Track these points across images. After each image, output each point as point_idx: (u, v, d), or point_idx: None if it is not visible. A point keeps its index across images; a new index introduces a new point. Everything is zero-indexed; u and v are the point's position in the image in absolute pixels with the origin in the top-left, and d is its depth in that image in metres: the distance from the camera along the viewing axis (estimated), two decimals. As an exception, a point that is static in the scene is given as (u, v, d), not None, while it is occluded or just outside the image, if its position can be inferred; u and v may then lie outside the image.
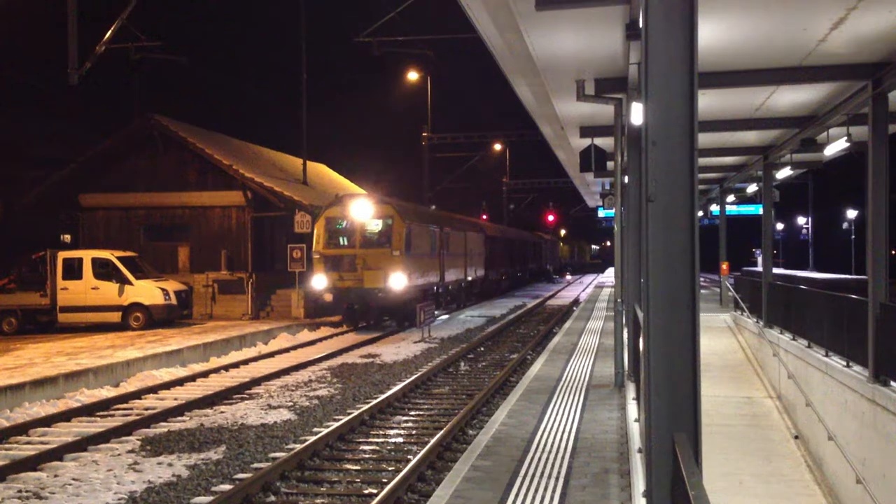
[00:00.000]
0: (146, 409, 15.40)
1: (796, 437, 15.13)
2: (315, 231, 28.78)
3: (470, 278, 41.35)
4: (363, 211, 28.64)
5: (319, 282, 27.93)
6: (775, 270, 28.07)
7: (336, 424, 13.52)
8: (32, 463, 11.40)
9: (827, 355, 14.19)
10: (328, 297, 27.80)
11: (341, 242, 29.03)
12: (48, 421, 14.23)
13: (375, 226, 29.23)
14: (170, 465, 11.48)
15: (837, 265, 54.01)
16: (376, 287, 27.83)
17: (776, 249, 59.27)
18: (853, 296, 14.19)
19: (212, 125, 38.03)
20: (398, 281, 27.70)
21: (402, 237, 28.18)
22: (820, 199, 63.83)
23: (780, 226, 70.70)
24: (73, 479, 10.80)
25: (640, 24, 4.84)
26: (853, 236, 58.21)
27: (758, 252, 44.67)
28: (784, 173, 23.59)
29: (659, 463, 4.75)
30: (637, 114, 12.63)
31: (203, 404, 15.63)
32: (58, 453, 11.90)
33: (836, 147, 16.49)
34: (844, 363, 13.10)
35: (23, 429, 13.66)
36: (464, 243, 39.70)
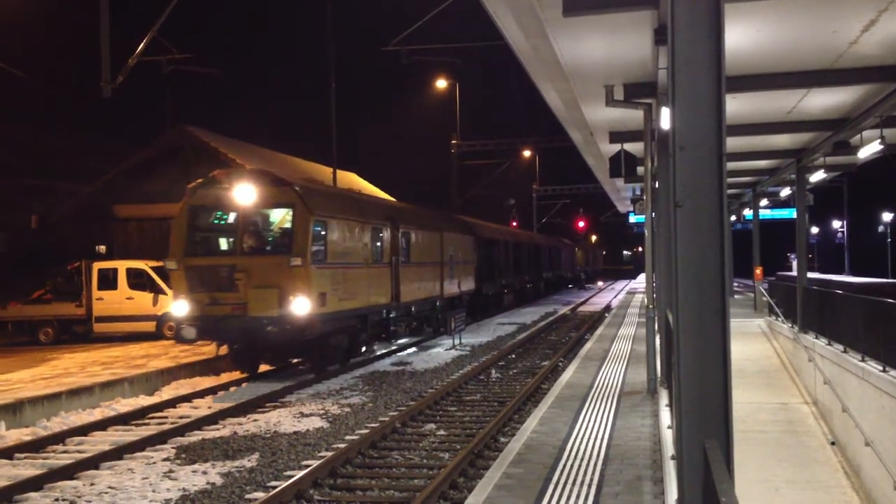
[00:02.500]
0: (180, 417, 15.51)
1: (833, 444, 14.94)
2: (174, 229, 19.33)
3: (450, 294, 31.07)
4: (247, 195, 18.84)
5: (179, 308, 18.64)
6: (810, 275, 27.78)
7: (367, 432, 13.57)
8: (69, 471, 11.53)
9: (863, 360, 14.02)
10: (188, 334, 18.33)
11: (216, 246, 19.86)
12: (84, 430, 14.39)
13: (268, 220, 20.09)
14: (204, 472, 11.56)
15: (873, 269, 53.34)
16: (266, 315, 18.18)
17: (811, 254, 58.67)
18: (889, 300, 14.01)
19: (243, 135, 38.38)
20: (302, 306, 18.11)
21: (309, 237, 18.49)
22: (855, 202, 63.14)
23: (814, 230, 69.98)
24: (109, 488, 10.91)
25: (668, 30, 4.83)
26: (889, 239, 57.45)
27: (792, 256, 44.25)
28: (818, 176, 23.36)
29: (690, 470, 4.72)
30: (666, 119, 12.57)
31: (236, 412, 15.72)
32: (94, 462, 12.03)
33: (869, 149, 16.31)
34: (881, 368, 12.93)
35: (59, 438, 13.82)
36: (438, 247, 29.50)
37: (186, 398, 17.30)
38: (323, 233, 19.33)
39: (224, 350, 20.14)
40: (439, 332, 30.01)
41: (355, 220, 21.31)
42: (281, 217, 19.83)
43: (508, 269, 45.66)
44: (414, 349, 26.40)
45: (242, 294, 18.31)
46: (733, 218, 41.29)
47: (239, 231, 19.06)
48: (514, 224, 67.29)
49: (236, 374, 20.19)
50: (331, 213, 19.89)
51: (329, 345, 20.05)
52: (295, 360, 21.46)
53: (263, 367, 20.73)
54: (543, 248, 59.80)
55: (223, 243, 19.77)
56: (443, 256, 29.91)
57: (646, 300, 16.04)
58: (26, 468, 12.00)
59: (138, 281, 26.75)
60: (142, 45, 20.59)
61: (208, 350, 21.23)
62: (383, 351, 24.66)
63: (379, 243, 23.00)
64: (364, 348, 22.77)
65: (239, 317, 18.31)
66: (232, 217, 19.50)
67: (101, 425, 14.81)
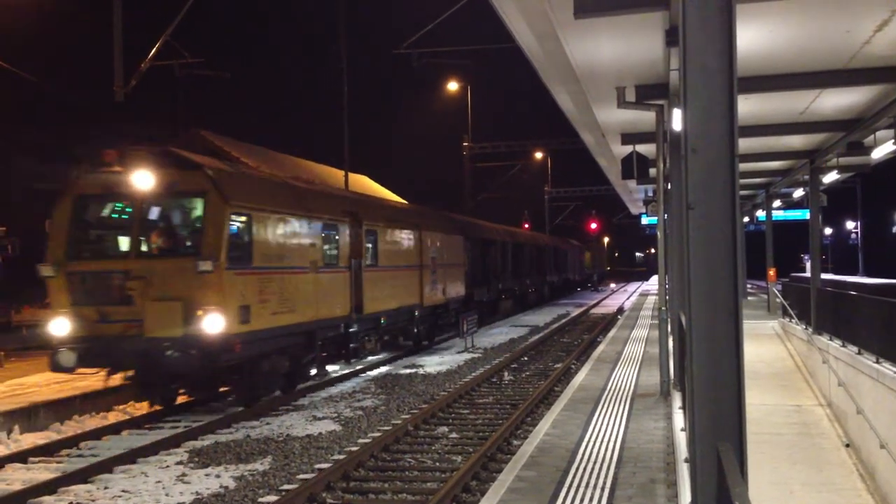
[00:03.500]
0: (194, 420, 15.55)
1: (847, 446, 14.85)
2: (52, 224, 15.38)
3: (433, 302, 26.93)
4: (145, 181, 14.95)
5: (58, 327, 14.69)
6: (824, 276, 27.64)
7: (380, 435, 13.58)
8: (83, 475, 11.57)
9: (878, 362, 13.92)
10: (66, 361, 14.40)
11: (106, 247, 15.73)
12: (98, 433, 14.44)
13: (172, 212, 15.68)
14: (217, 476, 11.59)
15: (888, 270, 53.01)
16: (167, 336, 14.24)
17: (824, 255, 58.42)
18: (904, 301, 13.92)
19: (254, 138, 38.52)
20: (214, 323, 14.25)
21: (224, 234, 14.59)
22: (869, 202, 62.85)
23: (828, 230, 69.67)
24: (123, 491, 10.95)
25: (679, 31, 4.82)
26: (903, 240, 57.11)
27: (806, 257, 44.08)
28: (831, 177, 23.26)
29: (703, 473, 4.70)
30: (678, 120, 12.54)
31: (249, 416, 15.75)
32: (107, 465, 12.07)
33: (883, 150, 16.22)
34: (896, 370, 12.84)
35: (73, 441, 13.87)
36: (417, 248, 25.50)
37: (201, 401, 17.27)
38: (246, 229, 15.45)
39: (116, 380, 15.52)
40: (422, 346, 26.81)
41: (296, 213, 17.26)
42: (189, 209, 15.57)
43: (506, 272, 41.71)
44: (425, 353, 26.38)
45: (138, 308, 14.43)
46: (746, 219, 41.19)
47: (134, 227, 15.09)
48: (527, 226, 67.11)
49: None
50: (258, 203, 15.87)
51: (260, 370, 16.12)
52: (223, 389, 17.09)
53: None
54: (547, 250, 55.92)
55: (116, 243, 15.57)
56: (422, 259, 25.77)
57: (658, 302, 16.00)
58: (41, 472, 12.05)
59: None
60: (154, 49, 20.68)
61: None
62: (346, 371, 21.12)
63: (333, 243, 19.15)
64: (315, 370, 18.97)
65: (133, 338, 14.37)
66: (129, 209, 15.40)
67: (115, 429, 14.86)
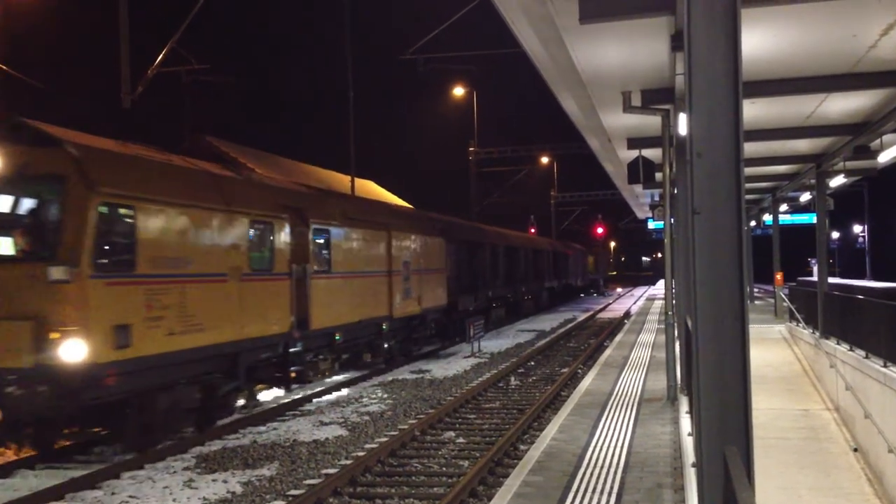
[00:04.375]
0: (200, 427, 15.55)
1: (855, 450, 14.81)
2: None
3: (405, 313, 23.82)
4: None
5: None
6: (831, 280, 27.59)
7: (387, 440, 13.59)
8: (90, 481, 11.59)
9: (885, 366, 13.89)
10: None
11: None
12: (106, 439, 14.44)
13: (21, 202, 12.27)
14: (224, 481, 11.60)
15: (895, 273, 52.87)
16: (12, 367, 11.39)
17: (832, 259, 58.28)
18: (911, 305, 13.89)
19: (261, 144, 38.60)
20: (74, 350, 11.36)
21: (88, 231, 11.63)
22: (876, 206, 62.68)
23: (835, 234, 69.52)
24: (130, 497, 10.96)
25: (684, 36, 4.83)
26: (911, 244, 56.98)
27: (813, 262, 43.96)
28: (838, 181, 23.22)
29: (710, 477, 4.70)
30: (684, 125, 12.54)
31: (256, 421, 15.76)
32: (115, 471, 12.09)
33: (890, 154, 16.20)
34: (904, 374, 12.81)
35: (81, 447, 13.88)
36: (384, 251, 22.41)
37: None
38: (128, 225, 12.33)
39: None
40: (394, 361, 23.75)
41: (206, 207, 13.91)
42: (45, 198, 12.08)
43: (497, 278, 38.33)
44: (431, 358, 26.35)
45: None
46: (753, 223, 41.11)
47: None
48: (533, 231, 66.99)
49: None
50: (146, 192, 12.70)
51: (155, 408, 12.98)
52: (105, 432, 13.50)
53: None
54: (545, 254, 52.39)
55: None
56: (392, 263, 22.66)
57: (665, 306, 15.98)
58: (48, 478, 12.06)
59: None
60: (160, 56, 20.74)
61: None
62: (286, 400, 17.72)
63: (266, 245, 16.06)
64: (242, 401, 15.78)
65: None
66: None
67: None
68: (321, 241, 18.52)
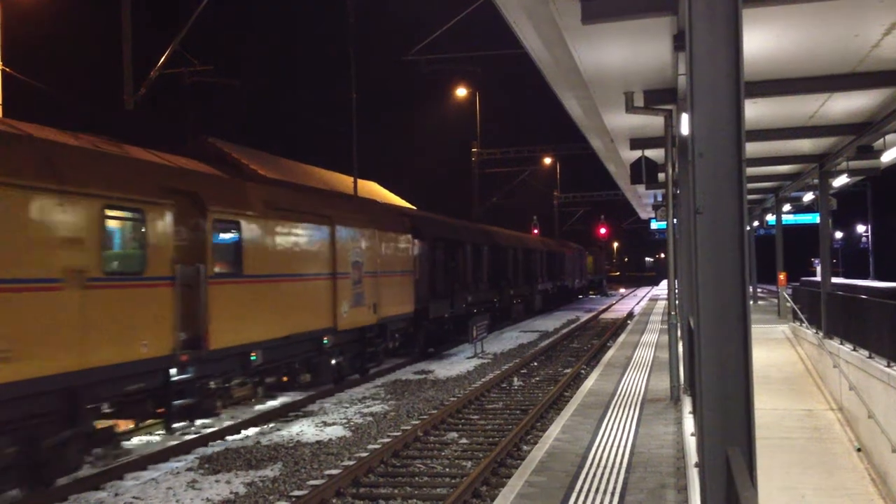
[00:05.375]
0: (204, 426, 15.59)
1: (859, 450, 14.79)
2: None
3: (355, 324, 19.86)
4: None
5: None
6: (834, 280, 27.56)
7: (390, 440, 13.59)
8: (94, 482, 11.60)
9: (889, 366, 13.88)
10: None
11: None
12: (107, 440, 14.44)
13: None
14: (227, 482, 11.61)
15: (899, 273, 52.81)
16: None
17: (835, 259, 58.24)
18: (915, 305, 13.87)
19: (263, 145, 38.63)
20: None
21: None
22: (879, 206, 62.59)
23: (838, 234, 69.45)
24: (134, 498, 10.98)
25: (685, 36, 4.83)
26: (914, 243, 56.91)
27: (816, 262, 43.94)
28: (841, 181, 23.19)
29: (713, 478, 4.70)
30: (686, 125, 12.53)
31: (260, 422, 15.77)
32: (118, 472, 12.10)
33: (893, 153, 16.19)
34: (907, 374, 12.80)
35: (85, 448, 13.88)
36: (327, 250, 18.53)
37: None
38: None
39: None
40: (346, 381, 20.29)
41: (19, 185, 10.25)
42: None
43: (480, 280, 34.16)
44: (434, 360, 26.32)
45: None
46: (756, 223, 41.08)
47: None
48: (536, 231, 66.86)
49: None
50: None
51: None
52: None
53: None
54: (538, 254, 48.20)
55: None
56: (337, 264, 18.71)
57: (668, 307, 15.97)
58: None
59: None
60: (163, 57, 20.78)
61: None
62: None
63: (134, 239, 12.77)
64: (99, 450, 12.22)
65: None
66: None
67: (126, 435, 14.88)
68: (228, 236, 14.72)
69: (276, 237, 16.19)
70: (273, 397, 17.89)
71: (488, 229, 39.58)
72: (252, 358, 15.17)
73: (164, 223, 12.99)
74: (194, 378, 13.65)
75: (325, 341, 18.22)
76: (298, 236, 17.22)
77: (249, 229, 15.21)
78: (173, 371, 13.16)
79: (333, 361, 19.08)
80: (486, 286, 35.24)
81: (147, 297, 12.52)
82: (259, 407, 17.10)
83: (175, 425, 13.69)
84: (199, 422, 14.97)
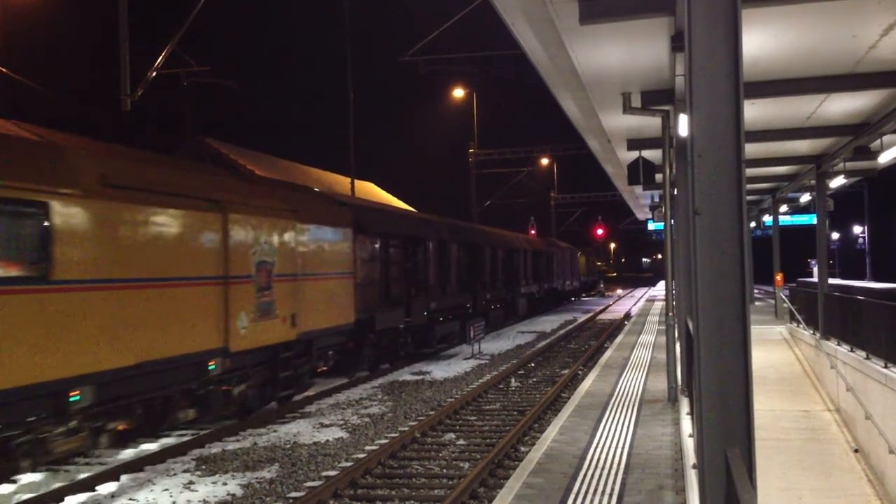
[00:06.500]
0: (201, 428, 15.56)
1: (856, 451, 14.80)
2: None
3: (260, 342, 15.30)
4: None
5: None
6: (831, 281, 27.57)
7: (387, 442, 13.58)
8: (90, 483, 11.57)
9: (886, 367, 13.88)
10: None
11: None
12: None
13: None
14: (224, 484, 11.58)
15: (895, 274, 52.86)
16: None
17: (832, 259, 58.27)
18: (912, 305, 13.88)
19: (260, 146, 38.59)
20: None
21: None
22: (876, 207, 62.65)
23: (835, 235, 69.52)
24: (130, 500, 10.95)
25: (685, 36, 4.82)
26: (911, 244, 56.97)
27: (813, 262, 43.95)
28: (838, 182, 23.21)
29: (712, 480, 4.68)
30: (684, 126, 12.52)
31: (257, 423, 15.74)
32: (115, 473, 12.07)
33: (890, 154, 16.20)
34: (904, 375, 12.80)
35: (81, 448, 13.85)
36: (218, 247, 14.14)
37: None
38: None
39: None
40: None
41: None
42: None
43: (447, 283, 29.44)
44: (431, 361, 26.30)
45: None
46: (753, 224, 41.13)
47: None
48: (533, 232, 66.73)
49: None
50: None
51: None
52: None
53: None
54: (522, 253, 43.39)
55: None
56: (229, 265, 14.22)
57: (665, 307, 15.97)
58: (48, 480, 12.05)
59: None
60: (160, 58, 20.73)
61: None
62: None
63: None
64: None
65: None
66: None
67: (123, 436, 14.85)
68: (22, 223, 10.41)
69: (119, 227, 11.75)
70: (134, 442, 14.09)
71: (459, 225, 34.69)
72: (73, 399, 10.96)
73: None
74: None
75: (212, 367, 13.91)
76: (162, 227, 12.68)
77: (67, 215, 10.85)
78: None
79: (236, 390, 15.02)
80: (456, 290, 30.56)
81: None
82: (144, 446, 13.96)
83: None
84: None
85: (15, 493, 11.30)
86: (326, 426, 15.48)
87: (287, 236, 16.57)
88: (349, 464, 12.45)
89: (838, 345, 18.03)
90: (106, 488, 11.54)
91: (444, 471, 12.31)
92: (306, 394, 18.34)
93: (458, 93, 45.99)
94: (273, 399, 16.70)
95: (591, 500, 8.88)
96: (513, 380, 21.42)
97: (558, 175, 69.97)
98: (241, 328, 14.62)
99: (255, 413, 16.15)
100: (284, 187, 18.64)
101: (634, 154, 18.13)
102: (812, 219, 35.67)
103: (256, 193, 16.10)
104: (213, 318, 13.84)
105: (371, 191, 47.59)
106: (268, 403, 16.60)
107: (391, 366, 23.65)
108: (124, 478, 12.02)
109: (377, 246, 22.77)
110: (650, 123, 15.76)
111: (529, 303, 45.21)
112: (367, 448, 13.62)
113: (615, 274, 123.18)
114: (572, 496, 9.06)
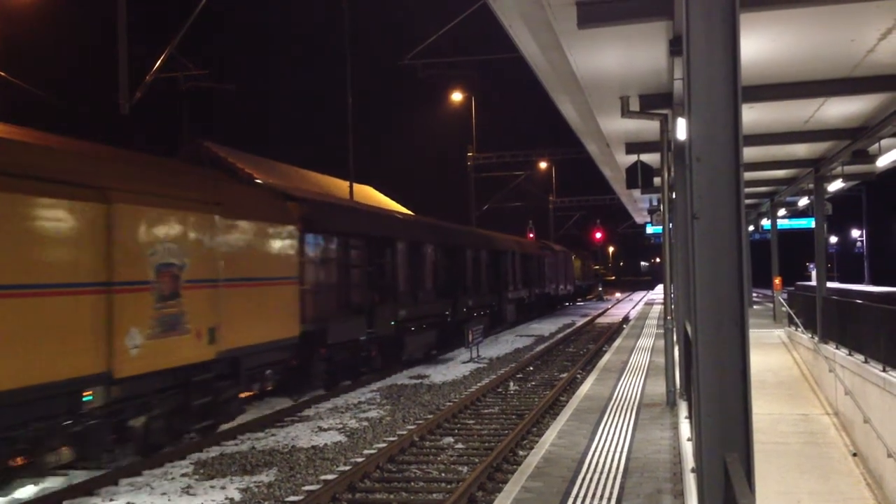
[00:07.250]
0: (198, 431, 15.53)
1: (854, 455, 14.79)
2: None
3: (162, 364, 12.41)
4: None
5: None
6: (829, 284, 27.58)
7: (385, 446, 13.57)
8: (88, 487, 11.55)
9: (885, 370, 13.88)
10: None
11: None
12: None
13: None
14: (222, 488, 11.57)
15: (894, 278, 52.89)
16: None
17: (830, 263, 58.30)
18: (910, 309, 13.87)
19: (259, 150, 38.60)
20: None
21: None
22: (874, 210, 62.73)
23: (833, 239, 69.56)
24: (128, 503, 10.93)
25: (683, 40, 4.82)
26: (909, 248, 57.02)
27: (811, 266, 43.97)
28: (836, 185, 23.21)
29: (711, 484, 4.68)
30: (682, 129, 12.53)
31: (255, 427, 15.72)
32: (113, 477, 12.05)
33: (888, 158, 16.20)
34: (903, 378, 12.79)
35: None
36: (96, 246, 11.04)
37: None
38: None
39: None
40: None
41: None
42: None
43: (421, 289, 26.57)
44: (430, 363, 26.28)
45: None
46: (752, 228, 41.14)
47: None
48: (531, 236, 66.59)
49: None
50: None
51: None
52: None
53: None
54: (509, 255, 40.20)
55: None
56: (114, 267, 11.38)
57: (664, 311, 15.97)
58: (46, 484, 12.03)
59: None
60: (159, 61, 20.74)
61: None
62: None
63: None
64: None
65: None
66: None
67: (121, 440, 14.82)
68: None
69: None
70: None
71: (436, 224, 31.52)
72: None
73: None
74: None
75: (88, 397, 11.17)
76: (11, 219, 9.81)
77: None
78: None
79: (134, 423, 12.46)
80: (432, 296, 27.70)
81: None
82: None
83: None
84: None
85: (12, 498, 11.29)
86: (325, 430, 15.46)
87: (205, 234, 13.69)
88: (347, 468, 12.44)
89: (837, 348, 18.02)
90: (105, 492, 11.51)
91: (443, 475, 12.30)
92: (304, 398, 18.31)
93: (457, 96, 46.01)
94: (187, 432, 14.02)
95: (590, 504, 8.87)
96: (511, 383, 21.41)
97: (557, 178, 70.01)
98: (133, 347, 11.69)
99: (167, 447, 13.48)
100: (205, 176, 15.43)
101: (633, 158, 18.14)
102: (810, 222, 35.67)
103: (159, 180, 13.22)
104: (90, 336, 10.91)
105: (370, 194, 47.55)
106: (180, 437, 13.92)
107: (385, 370, 23.36)
108: (123, 482, 12.00)
109: (333, 246, 20.08)
110: (648, 127, 15.77)
111: (518, 309, 42.51)
112: (366, 452, 13.61)
113: (614, 277, 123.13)
114: (571, 500, 9.05)
